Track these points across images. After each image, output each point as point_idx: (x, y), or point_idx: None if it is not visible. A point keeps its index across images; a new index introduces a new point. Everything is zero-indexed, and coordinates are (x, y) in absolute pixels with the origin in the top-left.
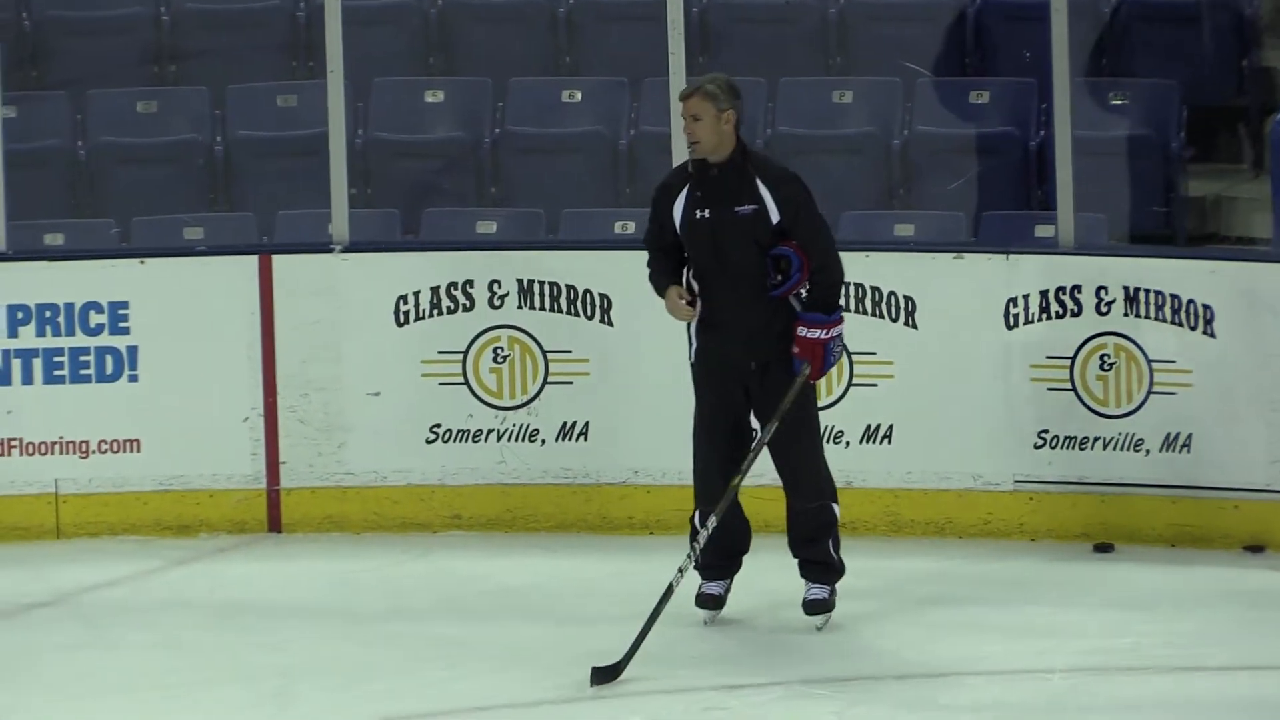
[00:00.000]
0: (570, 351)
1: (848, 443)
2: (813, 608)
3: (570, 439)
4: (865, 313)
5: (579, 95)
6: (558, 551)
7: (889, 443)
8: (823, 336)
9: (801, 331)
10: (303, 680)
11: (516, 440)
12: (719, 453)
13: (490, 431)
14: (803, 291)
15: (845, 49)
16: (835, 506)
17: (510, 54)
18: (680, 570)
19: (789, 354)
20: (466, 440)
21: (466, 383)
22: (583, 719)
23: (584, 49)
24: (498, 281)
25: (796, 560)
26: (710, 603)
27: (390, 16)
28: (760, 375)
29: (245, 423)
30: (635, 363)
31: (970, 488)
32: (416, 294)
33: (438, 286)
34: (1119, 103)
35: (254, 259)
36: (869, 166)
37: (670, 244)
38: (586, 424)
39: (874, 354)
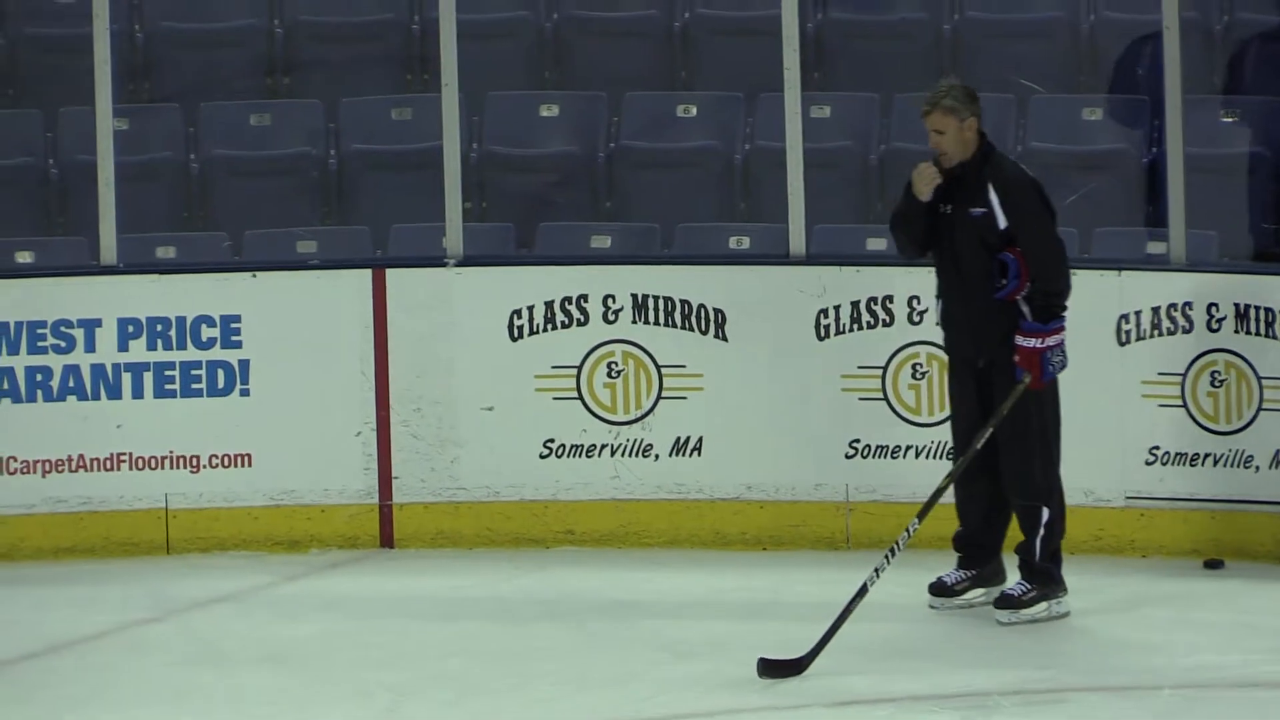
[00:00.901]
0: (684, 366)
1: None
2: (1000, 602)
3: (684, 454)
4: None
5: (694, 110)
6: (671, 566)
7: None
8: (1038, 345)
9: (1019, 340)
10: (414, 697)
11: (630, 455)
12: (959, 440)
13: (604, 446)
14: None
15: (958, 65)
16: (1046, 510)
17: (625, 68)
18: (876, 570)
19: (1013, 358)
20: (580, 455)
21: (580, 397)
22: None
23: (699, 63)
24: (612, 296)
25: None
26: (936, 588)
27: (505, 30)
28: (989, 373)
29: (358, 437)
30: (748, 378)
31: (1082, 504)
32: (530, 308)
33: (552, 301)
34: (1230, 120)
35: (368, 273)
36: None
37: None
38: (700, 439)
39: None
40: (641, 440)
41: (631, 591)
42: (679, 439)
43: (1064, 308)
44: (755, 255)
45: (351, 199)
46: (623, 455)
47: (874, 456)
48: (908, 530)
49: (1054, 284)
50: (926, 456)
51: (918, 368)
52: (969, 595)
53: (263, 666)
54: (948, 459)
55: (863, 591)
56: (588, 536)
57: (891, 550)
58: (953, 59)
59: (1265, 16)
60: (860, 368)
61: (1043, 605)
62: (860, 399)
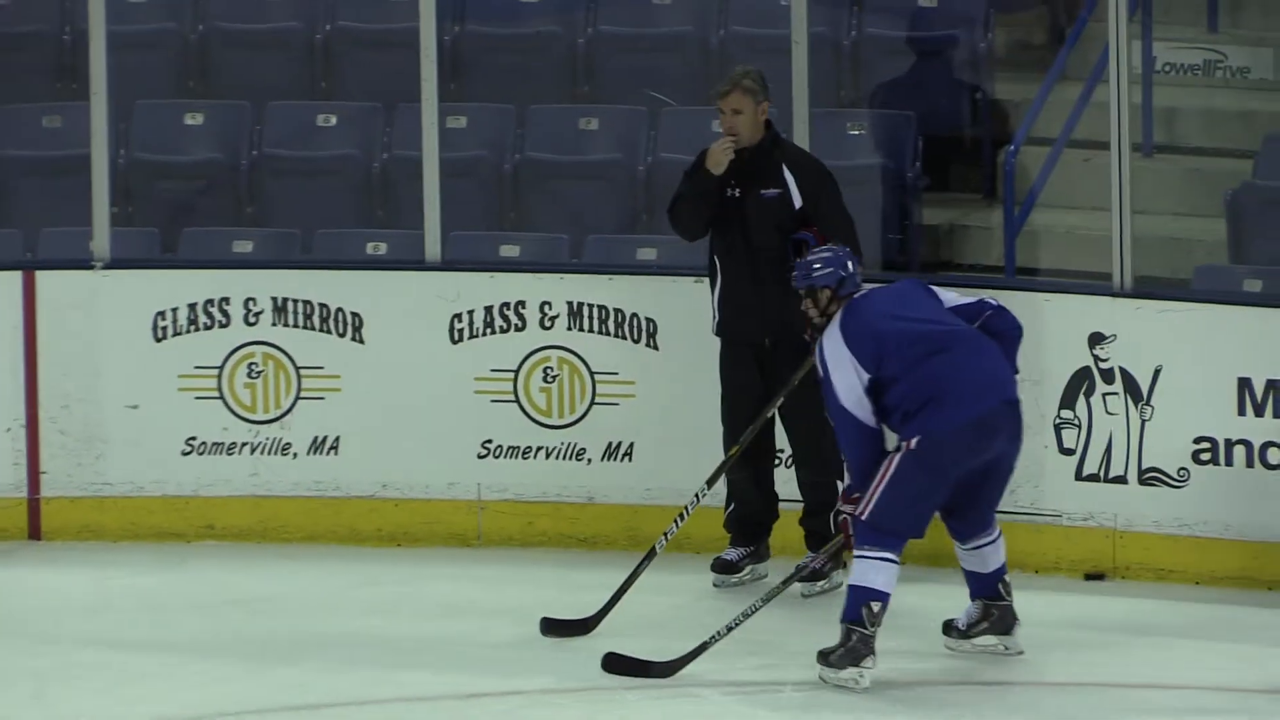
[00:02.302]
0: (322, 368)
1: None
2: (806, 576)
3: (321, 452)
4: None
5: (334, 119)
6: (307, 561)
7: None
8: None
9: None
10: (60, 684)
11: (270, 453)
12: (736, 423)
13: (245, 444)
14: None
15: (593, 78)
16: (839, 484)
17: (269, 78)
18: (665, 534)
19: (801, 334)
20: (221, 453)
21: (221, 397)
22: None
23: (340, 74)
24: (253, 299)
25: (804, 531)
26: (720, 566)
27: (153, 40)
28: (772, 351)
29: (7, 433)
30: (385, 379)
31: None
32: (175, 310)
33: (195, 304)
34: (857, 133)
35: (18, 274)
36: (614, 192)
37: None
38: (338, 438)
39: (616, 374)
40: (280, 439)
41: (270, 585)
42: (317, 438)
43: None
44: (392, 261)
45: (4, 203)
46: (263, 453)
47: (506, 457)
48: (696, 496)
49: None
50: (557, 457)
51: (549, 371)
52: (749, 571)
53: None
54: (577, 459)
55: (650, 555)
56: (228, 531)
57: (681, 515)
58: (587, 71)
59: (893, 32)
60: (493, 370)
61: (837, 575)
62: (492, 401)
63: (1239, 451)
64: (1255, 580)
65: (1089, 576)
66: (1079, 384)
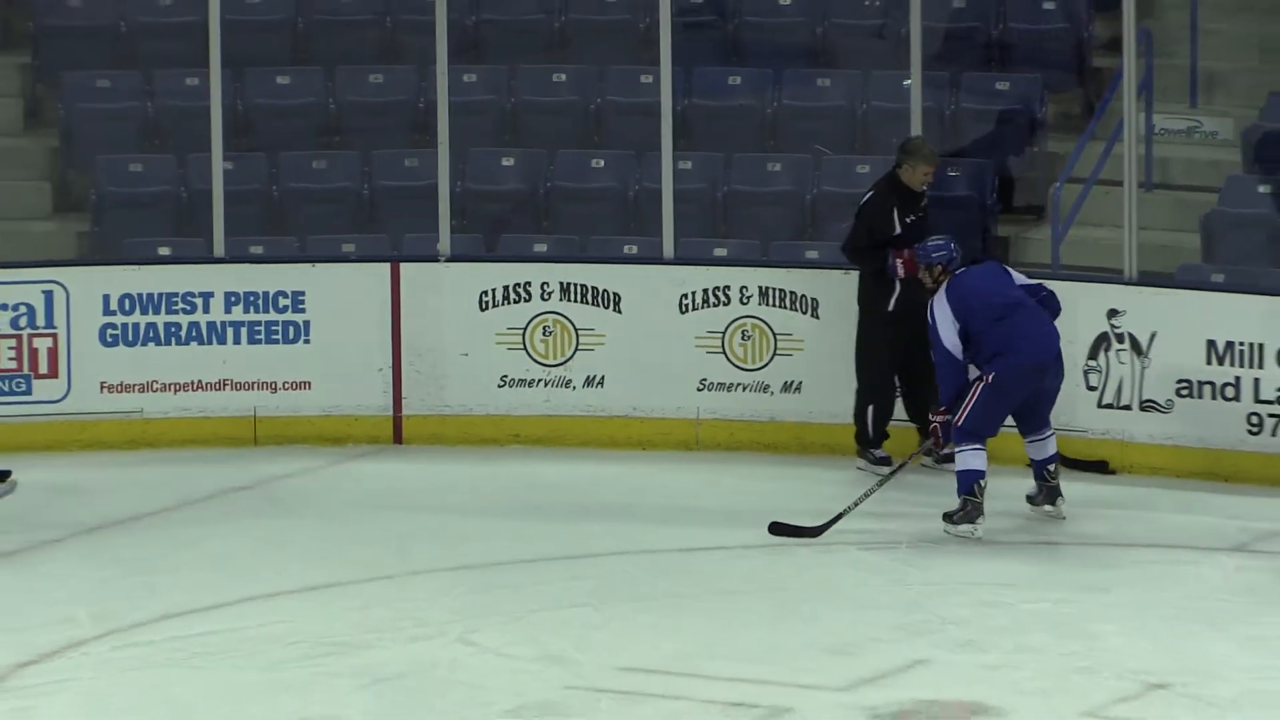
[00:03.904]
0: (593, 329)
1: None
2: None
3: (592, 386)
4: None
5: (603, 162)
6: (581, 460)
7: (799, 392)
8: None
9: None
10: (415, 542)
11: (557, 387)
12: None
13: (540, 380)
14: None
15: (776, 135)
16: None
17: (559, 135)
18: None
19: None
20: (524, 386)
21: (525, 348)
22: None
23: (607, 131)
24: (546, 282)
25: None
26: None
27: (480, 109)
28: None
29: (379, 372)
30: (635, 338)
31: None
32: (493, 290)
33: (507, 285)
34: (954, 174)
35: (388, 265)
36: (790, 213)
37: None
38: (603, 376)
39: (790, 334)
40: (564, 376)
41: (556, 475)
42: (589, 376)
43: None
44: (640, 257)
45: (376, 216)
46: (552, 386)
47: (715, 390)
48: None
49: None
50: (751, 390)
51: (745, 333)
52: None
53: (317, 522)
54: (763, 392)
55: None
56: (529, 439)
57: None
58: (773, 130)
59: (979, 105)
60: (708, 331)
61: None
62: (707, 352)
63: (1207, 389)
64: (1216, 475)
65: (1107, 470)
66: (1100, 344)
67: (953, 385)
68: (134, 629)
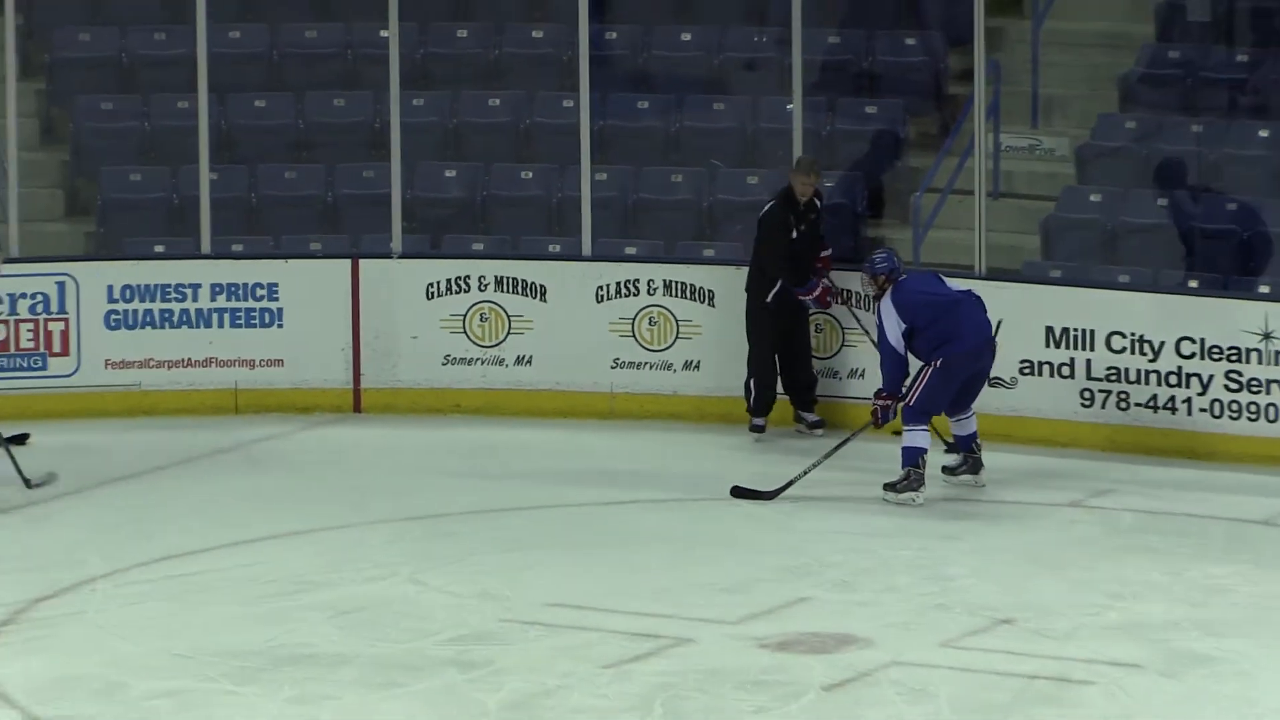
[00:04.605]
0: (523, 316)
1: None
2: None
3: (521, 364)
4: None
5: (681, 178)
6: (513, 427)
7: (698, 369)
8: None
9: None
10: (371, 495)
11: (491, 365)
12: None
13: (477, 359)
14: None
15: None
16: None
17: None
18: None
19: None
20: (464, 364)
21: (465, 332)
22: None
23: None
24: (483, 276)
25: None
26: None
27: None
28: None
29: (342, 351)
30: (561, 323)
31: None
32: (438, 282)
33: (450, 278)
34: (830, 185)
35: (349, 261)
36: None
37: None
38: (531, 356)
39: (691, 320)
40: (498, 355)
41: (493, 437)
42: (520, 355)
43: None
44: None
45: (338, 220)
46: (488, 364)
47: (627, 368)
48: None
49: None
50: (658, 369)
51: (652, 319)
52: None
53: (285, 476)
54: (668, 370)
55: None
56: (468, 409)
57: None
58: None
59: (853, 127)
60: (620, 318)
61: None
62: (620, 336)
63: (1046, 368)
64: (1054, 442)
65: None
66: None
67: (894, 375)
68: (135, 569)
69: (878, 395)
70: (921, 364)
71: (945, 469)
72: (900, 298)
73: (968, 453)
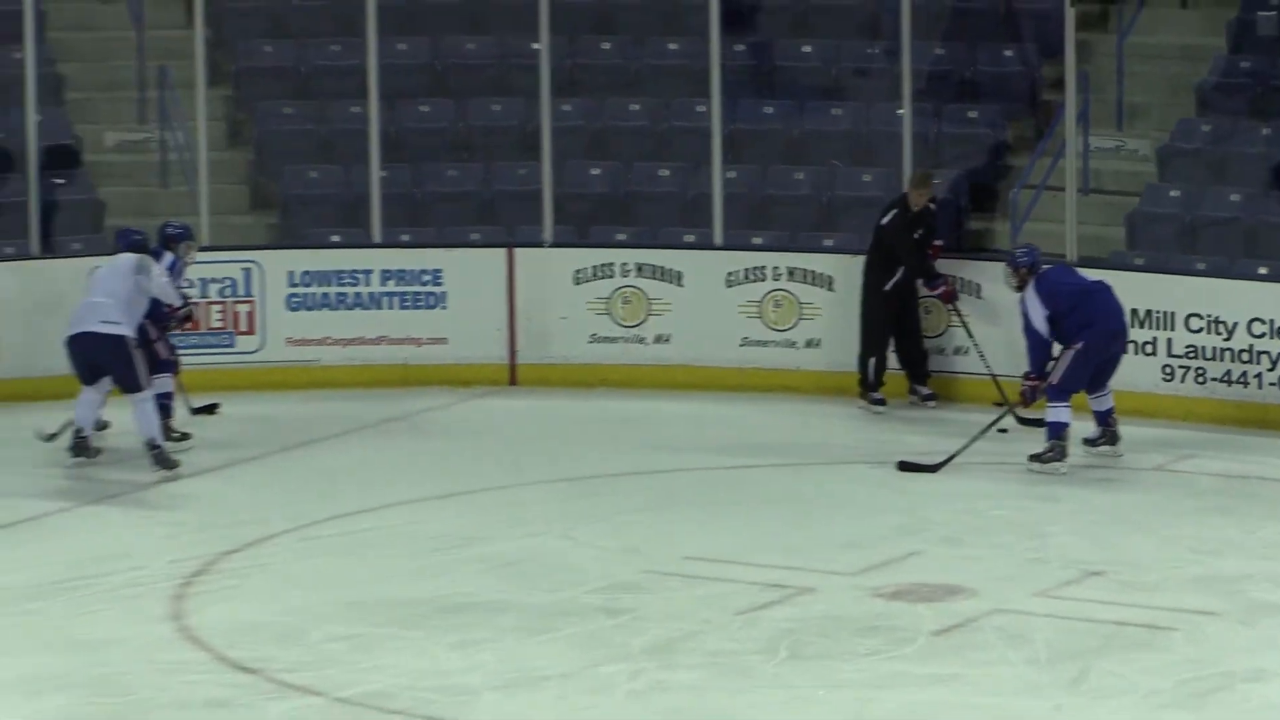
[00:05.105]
0: (662, 299)
1: None
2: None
3: (661, 343)
4: None
5: (802, 174)
6: (653, 399)
7: (819, 347)
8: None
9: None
10: (525, 461)
11: (632, 343)
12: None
13: (620, 338)
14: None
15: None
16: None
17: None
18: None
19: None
20: (609, 342)
21: (609, 313)
22: None
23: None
24: (625, 262)
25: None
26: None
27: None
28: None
29: (498, 331)
30: (696, 306)
31: None
32: (586, 268)
33: (597, 265)
34: (938, 181)
35: (504, 250)
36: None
37: None
38: (670, 334)
39: (813, 303)
40: (639, 334)
41: (636, 410)
42: (659, 334)
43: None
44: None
45: (495, 215)
46: (628, 343)
47: (755, 346)
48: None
49: None
50: (782, 346)
51: (777, 301)
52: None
53: (447, 441)
54: (790, 347)
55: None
56: (611, 383)
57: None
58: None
59: (959, 130)
60: (748, 300)
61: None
62: (747, 317)
63: (1131, 346)
64: (1139, 413)
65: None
66: None
67: (1039, 358)
68: (312, 525)
69: (1025, 377)
70: (1062, 348)
71: (1086, 440)
72: (1042, 288)
73: (1105, 426)
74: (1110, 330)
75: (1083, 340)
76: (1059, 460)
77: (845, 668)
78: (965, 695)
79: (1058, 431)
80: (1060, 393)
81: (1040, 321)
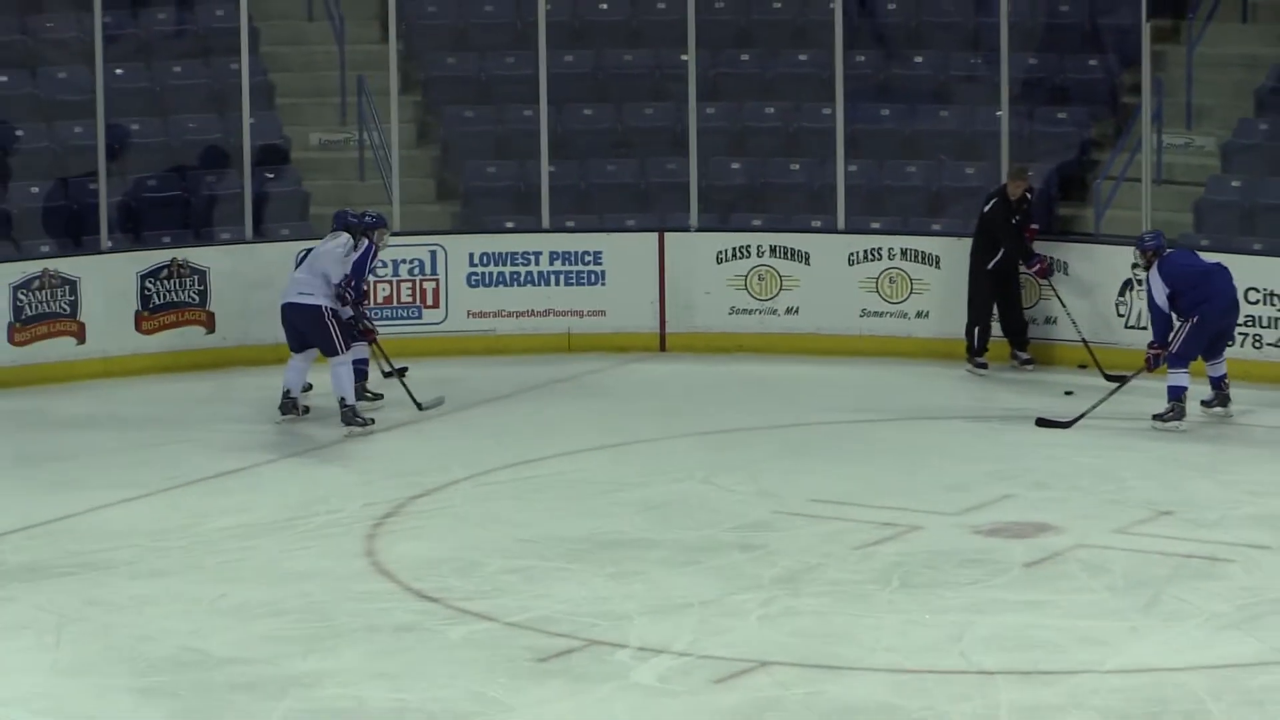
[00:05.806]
0: (792, 275)
1: None
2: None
3: (791, 313)
4: None
5: (855, 168)
6: (792, 362)
7: (928, 317)
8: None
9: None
10: (670, 416)
11: (768, 315)
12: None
13: (756, 310)
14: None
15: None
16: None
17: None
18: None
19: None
20: (746, 313)
21: (746, 288)
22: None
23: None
24: (760, 245)
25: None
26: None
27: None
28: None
29: (651, 304)
30: (822, 282)
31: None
32: (729, 250)
33: (738, 246)
34: (1032, 173)
35: (655, 234)
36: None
37: None
38: (798, 307)
39: (922, 279)
40: (773, 306)
41: (762, 371)
42: (789, 306)
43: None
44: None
45: (648, 203)
46: (765, 314)
47: (874, 316)
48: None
49: None
50: (898, 317)
51: (892, 278)
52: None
53: (598, 400)
54: (904, 318)
55: (1124, 380)
56: (746, 349)
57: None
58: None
59: (1049, 129)
60: (868, 277)
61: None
62: (866, 291)
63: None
64: (1204, 374)
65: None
66: (1126, 285)
67: (1161, 329)
68: (488, 473)
69: (1150, 346)
70: (1182, 320)
71: (1203, 403)
72: (1165, 268)
73: (1218, 389)
74: (1222, 307)
75: (1198, 314)
76: (1179, 419)
77: (949, 595)
78: (1053, 618)
79: (1177, 394)
80: (1179, 359)
81: (1161, 298)
